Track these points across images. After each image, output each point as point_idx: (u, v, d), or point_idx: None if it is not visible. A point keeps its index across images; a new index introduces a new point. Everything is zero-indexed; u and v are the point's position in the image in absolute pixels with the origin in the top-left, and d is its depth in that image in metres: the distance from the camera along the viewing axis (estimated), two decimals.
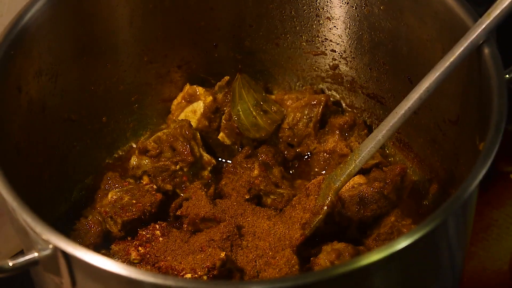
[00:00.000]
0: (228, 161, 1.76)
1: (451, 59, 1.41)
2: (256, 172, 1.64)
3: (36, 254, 1.23)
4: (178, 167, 1.66)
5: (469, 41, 1.40)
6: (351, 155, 1.51)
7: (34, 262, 1.23)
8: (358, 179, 1.61)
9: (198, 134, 1.72)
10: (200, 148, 1.70)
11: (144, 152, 1.67)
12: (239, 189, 1.62)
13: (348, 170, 1.50)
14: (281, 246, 1.48)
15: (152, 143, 1.67)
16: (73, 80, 1.65)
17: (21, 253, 1.24)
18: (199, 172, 1.69)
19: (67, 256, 1.21)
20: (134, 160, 1.69)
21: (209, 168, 1.70)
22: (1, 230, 1.74)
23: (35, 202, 1.34)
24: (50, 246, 1.21)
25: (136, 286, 1.17)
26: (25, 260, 1.23)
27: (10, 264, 1.22)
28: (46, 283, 1.37)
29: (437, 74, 1.42)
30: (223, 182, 1.66)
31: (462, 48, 1.41)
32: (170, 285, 1.15)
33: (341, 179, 1.50)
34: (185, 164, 1.66)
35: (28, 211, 1.24)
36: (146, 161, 1.67)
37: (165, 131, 1.69)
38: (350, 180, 1.56)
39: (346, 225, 1.58)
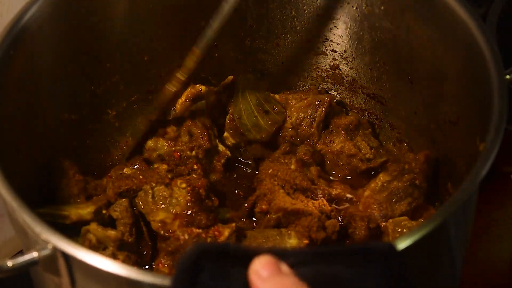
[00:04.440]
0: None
1: None
2: (293, 167, 1.62)
3: (35, 254, 1.23)
4: (194, 153, 1.65)
5: None
6: None
7: (33, 262, 1.23)
8: (383, 177, 1.59)
9: (215, 127, 1.72)
10: (216, 139, 1.70)
11: (162, 134, 1.68)
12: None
13: None
14: None
15: (171, 126, 1.67)
16: (73, 80, 1.64)
17: (21, 253, 1.24)
18: (213, 163, 1.68)
19: (67, 256, 1.21)
20: (151, 142, 1.68)
21: (222, 161, 1.69)
22: (1, 230, 1.74)
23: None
24: (50, 246, 1.21)
25: (136, 286, 1.17)
26: (24, 260, 1.22)
27: (10, 264, 1.22)
28: (45, 283, 1.36)
29: None
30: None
31: None
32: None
33: None
34: (201, 150, 1.65)
35: (27, 211, 1.24)
36: (163, 143, 1.67)
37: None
38: (377, 180, 1.55)
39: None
